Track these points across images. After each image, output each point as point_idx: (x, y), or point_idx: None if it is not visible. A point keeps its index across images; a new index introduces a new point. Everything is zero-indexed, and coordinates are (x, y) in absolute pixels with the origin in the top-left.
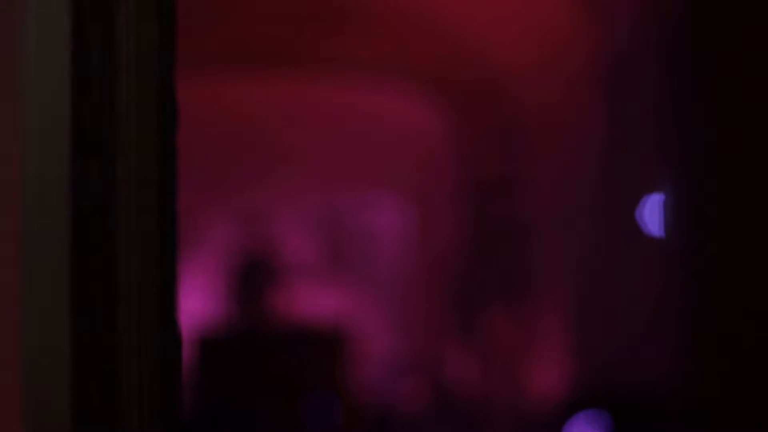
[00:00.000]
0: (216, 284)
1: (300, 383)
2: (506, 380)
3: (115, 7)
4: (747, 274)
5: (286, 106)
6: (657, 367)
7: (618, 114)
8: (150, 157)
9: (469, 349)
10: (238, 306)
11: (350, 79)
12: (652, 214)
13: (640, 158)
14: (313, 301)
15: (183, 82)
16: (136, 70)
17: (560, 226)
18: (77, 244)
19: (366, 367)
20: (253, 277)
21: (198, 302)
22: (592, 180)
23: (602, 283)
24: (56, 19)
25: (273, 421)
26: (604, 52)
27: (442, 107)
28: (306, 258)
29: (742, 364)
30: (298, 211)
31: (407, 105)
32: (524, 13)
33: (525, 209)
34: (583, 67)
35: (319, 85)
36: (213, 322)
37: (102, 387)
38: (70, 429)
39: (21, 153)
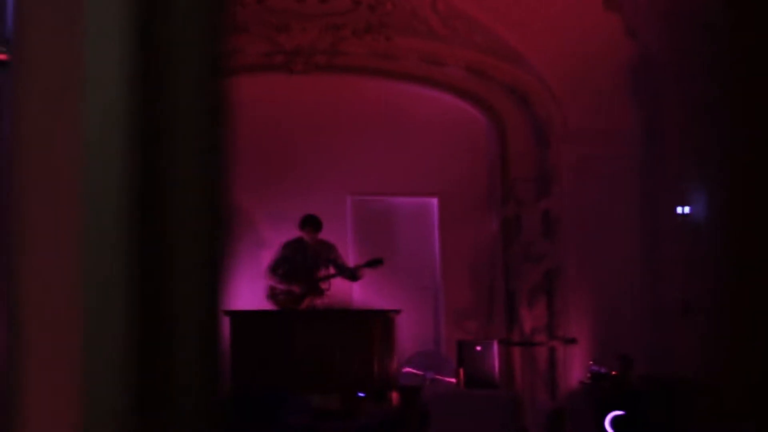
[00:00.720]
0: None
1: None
2: (539, 373)
3: (174, 11)
4: None
5: (335, 104)
6: (687, 361)
7: (653, 116)
8: (206, 152)
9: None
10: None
11: (406, 78)
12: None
13: (674, 157)
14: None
15: (239, 82)
16: (190, 74)
17: (594, 221)
18: (135, 239)
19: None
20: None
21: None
22: (626, 178)
23: (636, 277)
24: (114, 29)
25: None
26: (639, 60)
27: (485, 107)
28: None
29: None
30: (348, 206)
31: (453, 105)
32: (563, 24)
33: (560, 205)
34: (618, 74)
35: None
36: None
37: (156, 376)
38: (127, 419)
39: (82, 148)
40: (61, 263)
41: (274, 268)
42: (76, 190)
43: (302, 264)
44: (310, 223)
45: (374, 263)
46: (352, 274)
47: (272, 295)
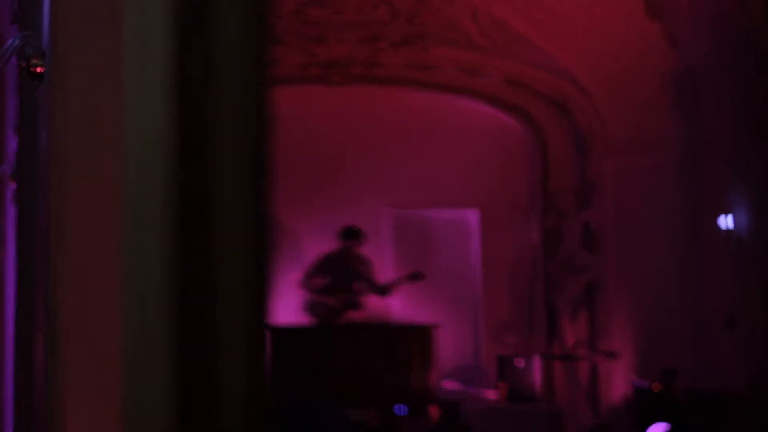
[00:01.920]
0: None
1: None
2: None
3: (214, 23)
4: None
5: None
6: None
7: (694, 127)
8: (247, 164)
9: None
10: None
11: (444, 89)
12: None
13: (716, 168)
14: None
15: (276, 93)
16: (233, 82)
17: (635, 233)
18: (177, 250)
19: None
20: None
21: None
22: (668, 189)
23: (678, 289)
24: (156, 33)
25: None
26: (680, 69)
27: (524, 118)
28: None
29: None
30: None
31: (492, 116)
32: (603, 33)
33: (601, 216)
34: (659, 83)
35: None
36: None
37: (199, 384)
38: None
39: (122, 159)
40: (102, 276)
41: (309, 279)
42: (117, 203)
43: (339, 277)
44: (354, 234)
45: (415, 277)
46: (382, 290)
47: (310, 307)
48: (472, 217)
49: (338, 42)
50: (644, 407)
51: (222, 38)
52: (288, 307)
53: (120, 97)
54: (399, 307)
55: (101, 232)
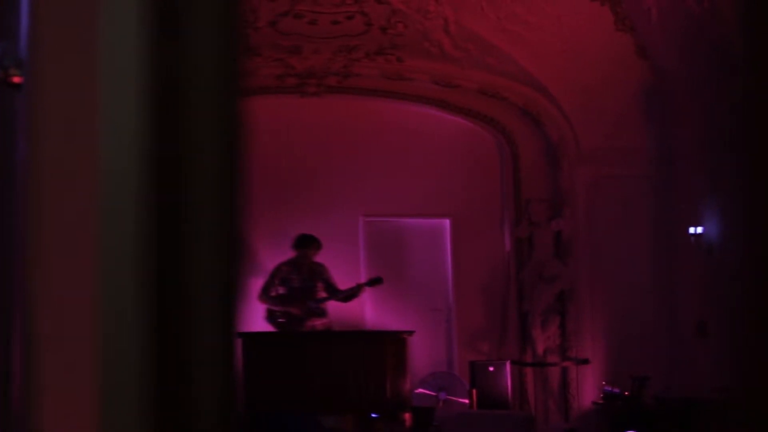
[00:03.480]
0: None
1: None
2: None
3: (188, 34)
4: None
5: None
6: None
7: (666, 137)
8: (221, 173)
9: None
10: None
11: (418, 100)
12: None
13: (687, 178)
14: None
15: (251, 104)
16: (208, 91)
17: (607, 242)
18: (152, 257)
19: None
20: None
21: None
22: (639, 199)
23: (650, 297)
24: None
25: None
26: (652, 80)
27: (497, 129)
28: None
29: None
30: (358, 227)
31: (465, 126)
32: (575, 45)
33: (573, 225)
34: (631, 95)
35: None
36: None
37: (172, 398)
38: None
39: (98, 167)
40: (78, 282)
41: (267, 290)
42: (92, 210)
43: (296, 285)
44: (309, 242)
45: (374, 282)
46: (342, 297)
47: (270, 317)
48: (445, 226)
49: (313, 53)
50: (615, 413)
51: (196, 48)
52: (258, 318)
53: (96, 106)
54: (373, 315)
55: (77, 239)
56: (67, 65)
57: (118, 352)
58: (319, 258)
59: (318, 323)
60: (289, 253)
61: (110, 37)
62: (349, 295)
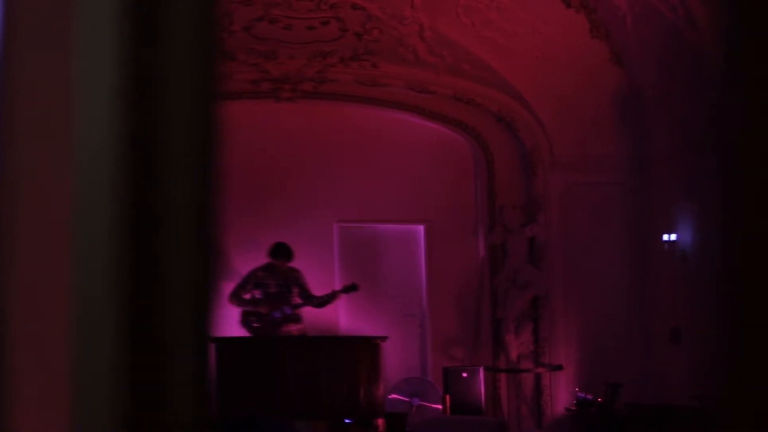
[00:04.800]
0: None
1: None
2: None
3: (163, 38)
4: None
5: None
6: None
7: (640, 144)
8: (196, 177)
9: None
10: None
11: (392, 106)
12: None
13: (661, 184)
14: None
15: (226, 109)
16: (183, 95)
17: (581, 248)
18: (126, 258)
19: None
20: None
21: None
22: (614, 205)
23: (624, 304)
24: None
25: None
26: (626, 87)
27: (472, 135)
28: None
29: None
30: (332, 233)
31: (440, 132)
32: (550, 52)
33: (547, 232)
34: (606, 102)
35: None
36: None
37: (145, 401)
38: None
39: (72, 168)
40: (52, 283)
41: (238, 292)
42: (66, 214)
43: (271, 291)
44: (283, 252)
45: (349, 289)
46: (319, 303)
47: (245, 321)
48: (419, 232)
49: (289, 58)
50: (588, 420)
51: (171, 51)
52: (233, 322)
53: (70, 106)
54: (347, 320)
55: (51, 239)
56: (42, 64)
57: (92, 354)
58: (293, 264)
59: (293, 328)
60: (263, 259)
61: (85, 38)
62: (324, 301)
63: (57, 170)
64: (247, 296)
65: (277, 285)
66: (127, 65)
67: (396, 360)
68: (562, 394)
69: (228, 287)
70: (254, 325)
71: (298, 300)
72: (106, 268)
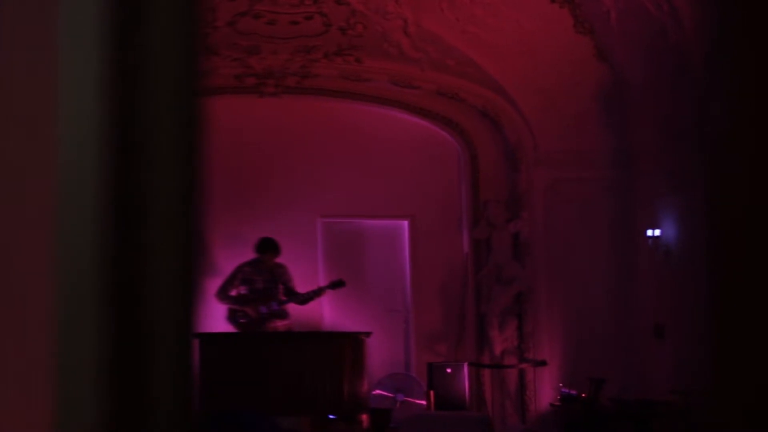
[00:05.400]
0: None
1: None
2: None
3: (147, 33)
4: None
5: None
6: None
7: (625, 139)
8: (179, 174)
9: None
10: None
11: (376, 101)
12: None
13: (646, 180)
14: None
15: (210, 103)
16: (167, 90)
17: (565, 244)
18: (108, 260)
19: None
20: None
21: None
22: (598, 201)
23: (607, 299)
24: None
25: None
26: (610, 83)
27: (456, 130)
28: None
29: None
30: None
31: (424, 128)
32: (534, 47)
33: (531, 227)
34: (590, 97)
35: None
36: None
37: (130, 394)
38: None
39: (57, 160)
40: (33, 279)
41: (225, 289)
42: (50, 207)
43: (257, 287)
44: (270, 247)
45: (336, 285)
46: (304, 300)
47: (232, 317)
48: (403, 227)
49: (272, 53)
50: (571, 415)
51: (156, 46)
52: (220, 317)
53: (55, 103)
54: (331, 316)
55: (34, 234)
56: (28, 59)
57: (75, 348)
58: (279, 259)
59: (279, 324)
60: (246, 254)
61: (71, 32)
62: (308, 298)
63: (41, 165)
64: (234, 293)
65: (264, 281)
66: (111, 60)
67: (380, 356)
68: (546, 390)
69: (212, 283)
70: (241, 321)
71: (283, 296)
72: (89, 262)
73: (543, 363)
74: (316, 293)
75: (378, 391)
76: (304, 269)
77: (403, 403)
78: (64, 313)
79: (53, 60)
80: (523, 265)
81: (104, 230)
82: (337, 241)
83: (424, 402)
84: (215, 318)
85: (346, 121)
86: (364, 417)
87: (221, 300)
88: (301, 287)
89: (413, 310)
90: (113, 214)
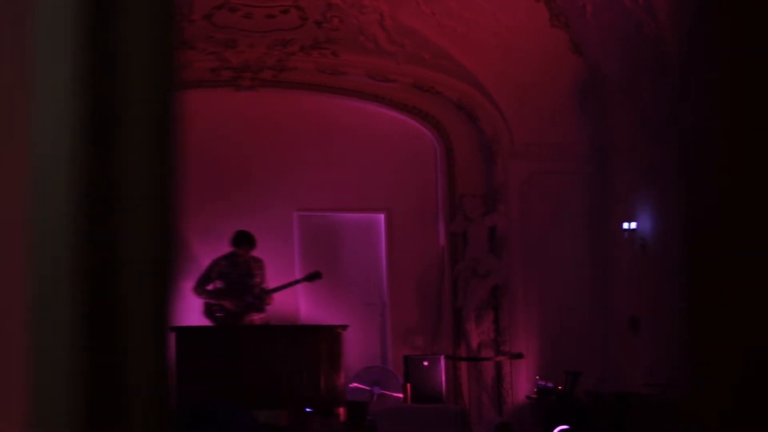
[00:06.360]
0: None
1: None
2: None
3: (122, 26)
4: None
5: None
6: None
7: (601, 133)
8: (154, 167)
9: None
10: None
11: (353, 94)
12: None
13: (622, 173)
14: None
15: (186, 97)
16: (142, 83)
17: (542, 237)
18: (83, 252)
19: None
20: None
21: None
22: (574, 194)
23: (584, 292)
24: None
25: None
26: (586, 76)
27: (432, 124)
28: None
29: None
30: (293, 220)
31: (400, 121)
32: (510, 41)
33: (508, 220)
34: (566, 90)
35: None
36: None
37: (105, 388)
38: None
39: (30, 153)
40: (7, 279)
41: (203, 283)
42: (23, 200)
43: (233, 280)
44: (246, 239)
45: (312, 277)
46: (276, 290)
47: (208, 312)
48: (379, 221)
49: (248, 46)
50: (548, 407)
51: (131, 39)
52: (197, 311)
53: (28, 91)
54: (307, 309)
55: (7, 228)
56: (1, 50)
57: (49, 344)
58: (256, 253)
59: (256, 318)
60: (223, 248)
61: (45, 24)
62: (283, 287)
63: (13, 156)
64: (210, 287)
65: (240, 274)
66: (85, 53)
67: (357, 349)
68: (522, 383)
69: (189, 277)
70: (217, 314)
71: (258, 290)
72: (63, 253)
73: (519, 356)
74: (292, 284)
75: (355, 384)
76: (280, 262)
77: (379, 396)
78: (38, 307)
79: (26, 52)
80: (500, 259)
81: (78, 224)
82: (313, 235)
83: (400, 395)
84: (191, 312)
85: (323, 114)
86: (341, 410)
87: (199, 294)
88: (278, 280)
89: (390, 303)
90: (87, 208)
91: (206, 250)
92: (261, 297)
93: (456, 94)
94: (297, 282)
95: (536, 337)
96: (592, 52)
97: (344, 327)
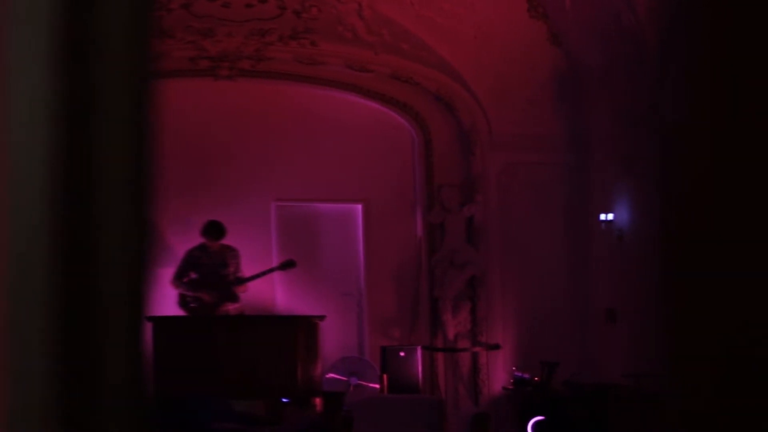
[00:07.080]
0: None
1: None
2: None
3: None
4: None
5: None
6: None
7: (579, 124)
8: (131, 157)
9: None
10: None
11: (331, 85)
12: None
13: (600, 164)
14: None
15: (163, 86)
16: (118, 77)
17: (519, 228)
18: (58, 244)
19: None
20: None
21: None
22: (552, 185)
23: (561, 283)
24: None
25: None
26: (565, 67)
27: (410, 114)
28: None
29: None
30: (271, 211)
31: (378, 111)
32: (488, 32)
33: (485, 211)
34: (544, 82)
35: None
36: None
37: (81, 378)
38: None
39: (7, 157)
40: None
41: (180, 276)
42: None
43: (207, 271)
44: (214, 230)
45: (286, 265)
46: (250, 279)
47: (183, 303)
48: (357, 211)
49: (226, 35)
50: (524, 398)
51: (108, 28)
52: (171, 302)
53: (4, 78)
54: (284, 299)
55: None
56: None
57: (26, 335)
58: (232, 243)
59: (231, 308)
60: (199, 238)
61: (21, 11)
62: (257, 276)
63: None
64: (186, 279)
65: (213, 264)
66: (62, 41)
67: (333, 339)
68: (499, 373)
69: (165, 268)
70: (191, 305)
71: (231, 278)
72: (38, 244)
73: (496, 347)
74: (267, 273)
75: (331, 375)
76: (258, 253)
77: (356, 386)
78: (15, 301)
79: (1, 40)
80: (477, 249)
81: (53, 214)
82: (291, 225)
83: (377, 385)
84: (166, 303)
85: (301, 104)
86: (318, 400)
87: (177, 287)
88: (255, 271)
89: (367, 293)
90: (62, 199)
91: (183, 240)
92: (234, 285)
93: (434, 84)
94: (271, 270)
95: (513, 328)
96: (571, 43)
97: (321, 317)
